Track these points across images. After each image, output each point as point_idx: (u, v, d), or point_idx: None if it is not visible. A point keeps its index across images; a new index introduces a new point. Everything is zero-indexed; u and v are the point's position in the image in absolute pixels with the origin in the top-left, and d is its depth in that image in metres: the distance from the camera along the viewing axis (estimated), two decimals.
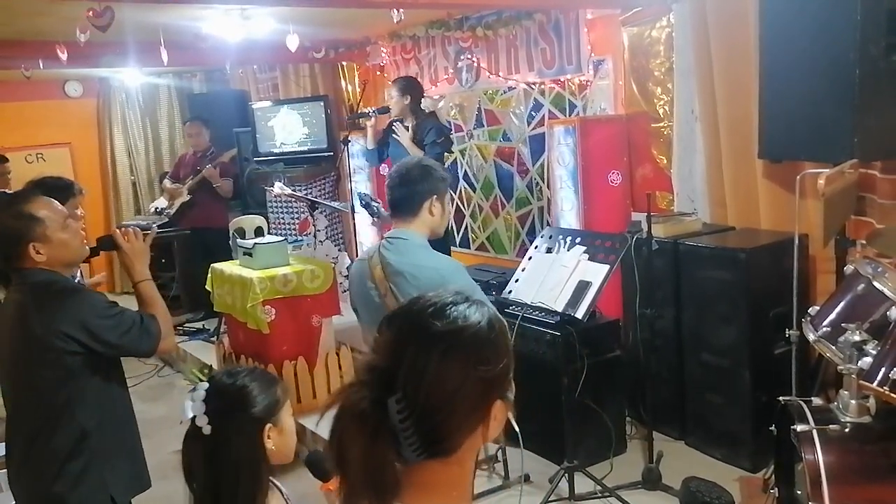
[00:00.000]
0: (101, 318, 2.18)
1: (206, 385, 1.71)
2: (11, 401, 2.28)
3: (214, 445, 1.65)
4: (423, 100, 4.83)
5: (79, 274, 3.41)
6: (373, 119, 4.88)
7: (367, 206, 4.51)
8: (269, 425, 1.72)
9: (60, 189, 3.02)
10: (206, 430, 1.64)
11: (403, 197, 2.46)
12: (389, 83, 5.31)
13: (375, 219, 4.60)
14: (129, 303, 2.39)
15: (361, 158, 6.09)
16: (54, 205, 2.27)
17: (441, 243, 3.30)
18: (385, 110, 4.93)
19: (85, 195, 3.67)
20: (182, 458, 1.69)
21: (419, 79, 5.31)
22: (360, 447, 0.98)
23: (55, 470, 2.19)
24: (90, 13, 3.33)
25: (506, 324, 1.11)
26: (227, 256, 5.19)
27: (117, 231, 2.39)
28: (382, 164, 5.45)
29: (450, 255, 4.15)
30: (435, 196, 2.46)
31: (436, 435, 1.01)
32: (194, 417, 1.65)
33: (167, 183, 6.72)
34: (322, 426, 1.05)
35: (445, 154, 4.81)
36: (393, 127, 4.70)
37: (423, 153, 4.40)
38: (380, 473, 0.99)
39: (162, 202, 6.73)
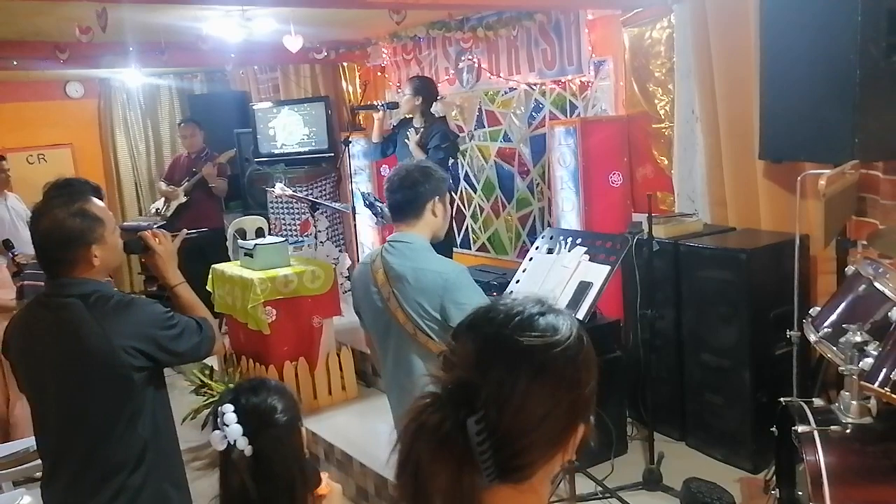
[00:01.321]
0: (165, 328, 2.05)
1: (230, 406, 1.66)
2: (55, 420, 2.08)
3: (263, 468, 1.62)
4: (435, 104, 4.79)
5: None
6: (380, 113, 4.88)
7: (370, 206, 4.49)
8: (303, 427, 1.76)
9: (91, 192, 2.81)
10: (248, 451, 1.61)
11: (407, 200, 2.42)
12: (400, 83, 5.28)
13: (379, 219, 4.60)
14: None
15: (362, 158, 6.09)
16: (103, 205, 2.09)
17: (444, 245, 3.29)
18: (394, 105, 4.92)
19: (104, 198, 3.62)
20: (223, 488, 1.64)
21: None
22: (445, 477, 0.89)
23: (116, 484, 2.03)
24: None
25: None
26: (223, 257, 5.19)
27: (146, 233, 2.22)
28: (383, 164, 5.46)
29: (452, 256, 4.14)
30: (437, 197, 2.44)
31: (514, 461, 0.92)
32: (231, 443, 1.62)
33: (162, 185, 6.74)
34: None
35: (451, 158, 4.78)
36: (408, 133, 4.68)
37: (426, 157, 4.38)
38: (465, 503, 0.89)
39: (161, 203, 6.75)
